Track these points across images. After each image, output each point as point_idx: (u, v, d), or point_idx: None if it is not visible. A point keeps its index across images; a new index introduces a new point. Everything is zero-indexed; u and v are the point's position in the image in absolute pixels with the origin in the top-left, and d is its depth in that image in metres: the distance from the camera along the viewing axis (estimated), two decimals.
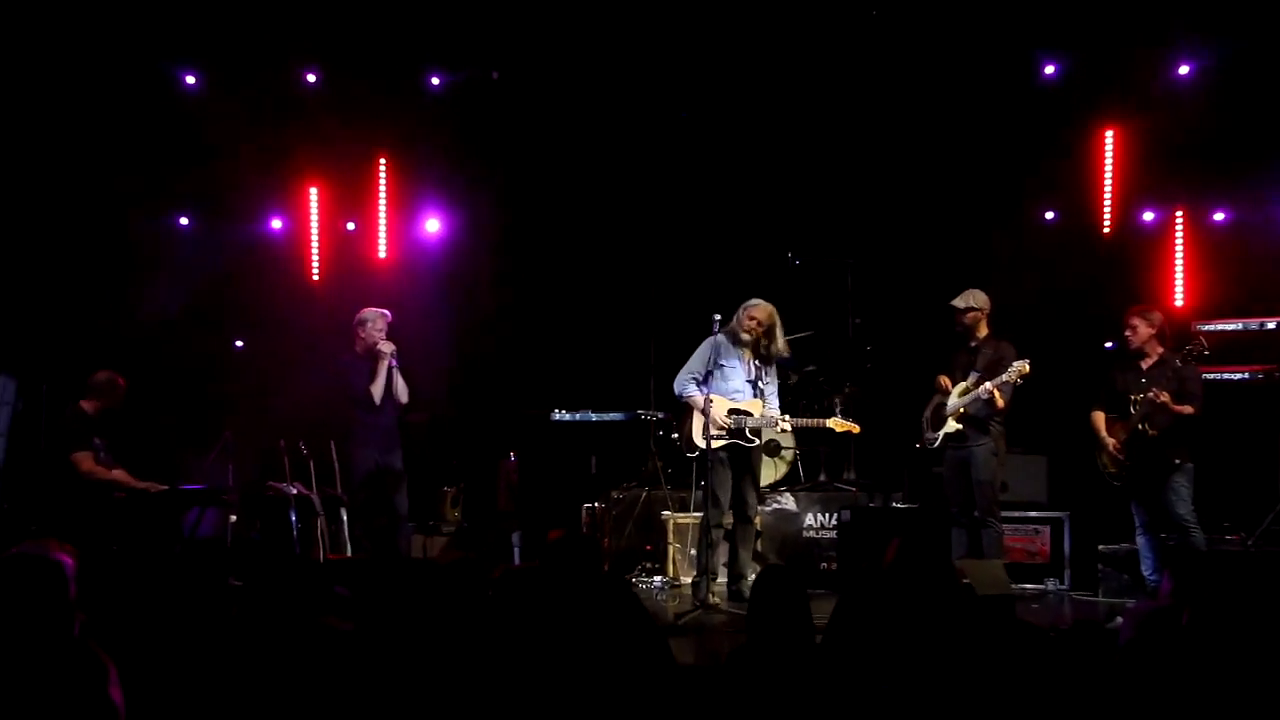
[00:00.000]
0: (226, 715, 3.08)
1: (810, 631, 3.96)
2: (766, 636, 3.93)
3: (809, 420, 7.61)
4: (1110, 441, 7.31)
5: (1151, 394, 7.07)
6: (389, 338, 8.02)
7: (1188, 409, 7.09)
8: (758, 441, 7.36)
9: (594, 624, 4.01)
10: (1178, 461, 7.15)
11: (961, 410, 7.51)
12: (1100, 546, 7.92)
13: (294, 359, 9.24)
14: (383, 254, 10.02)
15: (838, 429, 7.58)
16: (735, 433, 7.25)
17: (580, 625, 3.92)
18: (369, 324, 8.02)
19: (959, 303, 7.67)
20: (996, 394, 7.32)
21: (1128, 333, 7.35)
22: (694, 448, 7.46)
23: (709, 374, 7.31)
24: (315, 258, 10.04)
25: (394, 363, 7.97)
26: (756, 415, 7.32)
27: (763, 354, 7.42)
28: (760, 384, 7.39)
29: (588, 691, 3.20)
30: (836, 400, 8.88)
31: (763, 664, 3.85)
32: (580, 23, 8.90)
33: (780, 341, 7.43)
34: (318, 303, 9.51)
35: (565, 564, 4.10)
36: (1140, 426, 7.18)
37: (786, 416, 7.43)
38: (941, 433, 7.62)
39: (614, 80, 9.25)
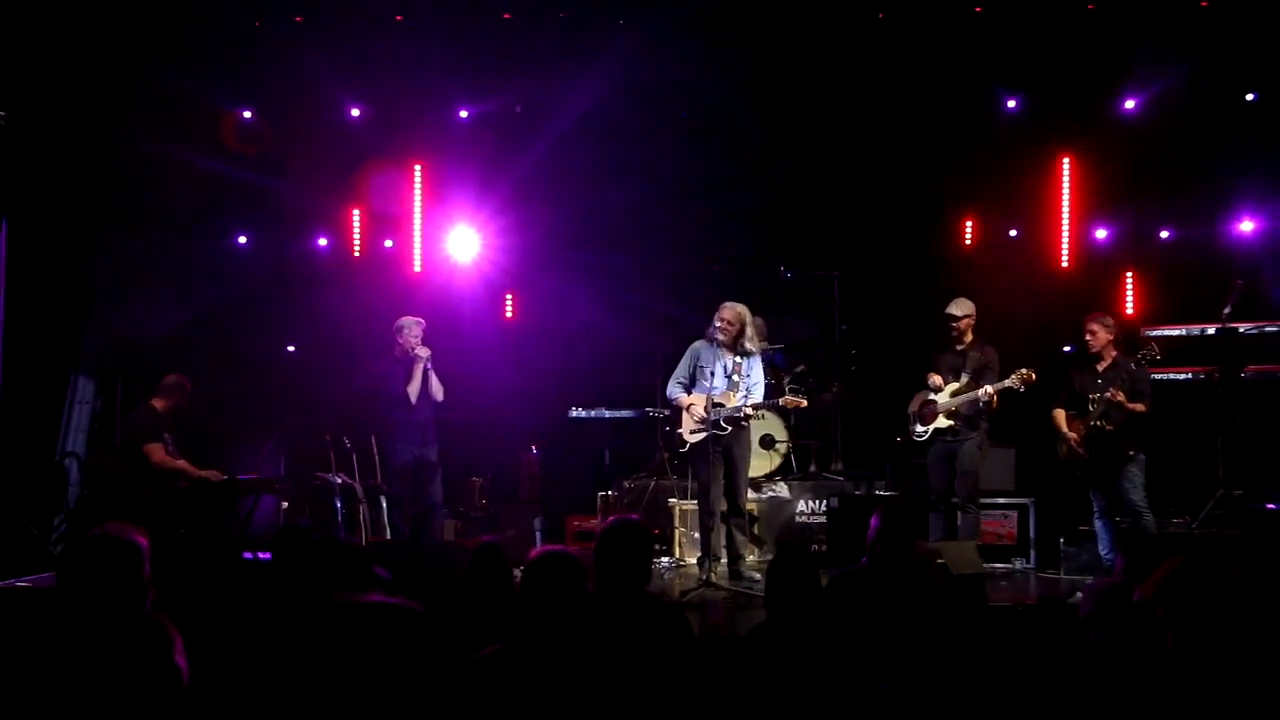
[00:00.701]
0: (274, 679, 3.10)
1: (821, 607, 3.97)
2: (783, 612, 3.95)
3: (767, 402, 7.61)
4: (1071, 436, 7.30)
5: (1109, 394, 7.06)
6: (424, 342, 8.05)
7: (1140, 407, 7.08)
8: (730, 429, 7.33)
9: (632, 603, 3.98)
10: (1131, 453, 7.13)
11: (954, 408, 7.51)
12: (1062, 529, 7.91)
13: (339, 362, 9.26)
14: (418, 268, 10.03)
15: (789, 406, 7.66)
16: (711, 424, 7.23)
17: (618, 602, 3.89)
18: (406, 330, 8.03)
19: (956, 310, 7.65)
20: (995, 397, 7.34)
21: (1087, 337, 7.31)
22: (684, 443, 7.49)
23: (693, 377, 7.44)
24: (357, 269, 10.06)
25: (429, 365, 7.98)
26: (728, 406, 7.33)
27: (741, 350, 7.42)
28: (736, 377, 7.37)
29: (624, 660, 3.23)
30: (786, 380, 8.89)
31: (781, 637, 3.87)
32: (581, 35, 8.88)
33: (749, 335, 7.40)
34: (360, 312, 9.51)
35: (617, 553, 4.01)
36: (1098, 423, 7.17)
37: (750, 402, 7.39)
38: (932, 427, 7.62)
39: (619, 98, 9.25)
